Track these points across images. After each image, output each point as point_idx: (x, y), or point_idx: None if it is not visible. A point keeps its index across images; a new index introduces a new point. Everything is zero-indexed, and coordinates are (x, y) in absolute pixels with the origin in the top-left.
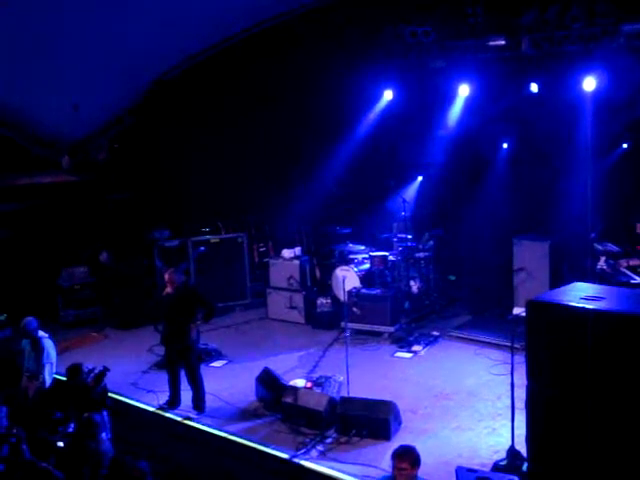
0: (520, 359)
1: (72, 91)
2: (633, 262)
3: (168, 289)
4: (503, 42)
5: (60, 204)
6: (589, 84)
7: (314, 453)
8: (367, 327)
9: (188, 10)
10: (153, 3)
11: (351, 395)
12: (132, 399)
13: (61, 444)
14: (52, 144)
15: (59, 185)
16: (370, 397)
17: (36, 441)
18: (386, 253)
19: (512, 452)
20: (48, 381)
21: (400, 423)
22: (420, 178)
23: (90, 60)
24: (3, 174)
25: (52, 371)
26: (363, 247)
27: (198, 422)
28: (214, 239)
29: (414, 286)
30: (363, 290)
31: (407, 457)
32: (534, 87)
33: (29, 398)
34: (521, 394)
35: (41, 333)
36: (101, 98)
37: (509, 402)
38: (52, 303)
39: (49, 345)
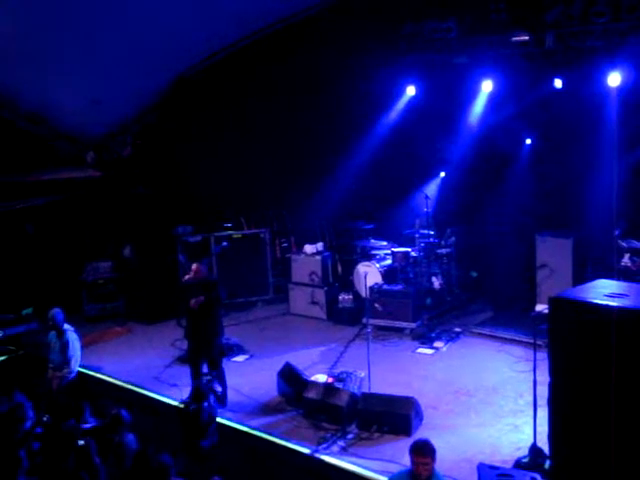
0: (542, 356)
1: (97, 87)
2: None
3: (190, 275)
4: (527, 38)
5: (85, 199)
6: (614, 79)
7: (335, 448)
8: (389, 323)
9: (210, 6)
10: (175, 1)
11: (372, 391)
12: (155, 393)
13: (82, 442)
14: (77, 140)
15: (84, 180)
16: (391, 393)
17: (60, 433)
18: (408, 249)
19: (534, 449)
20: (72, 374)
21: (421, 419)
22: (443, 174)
23: (115, 56)
24: (29, 169)
25: (76, 364)
26: (385, 243)
27: (220, 416)
28: (236, 234)
29: (436, 282)
30: (385, 286)
31: (428, 451)
32: (558, 83)
33: (53, 389)
34: (543, 391)
35: (66, 326)
36: (125, 94)
37: (531, 399)
38: (76, 297)
39: (74, 338)
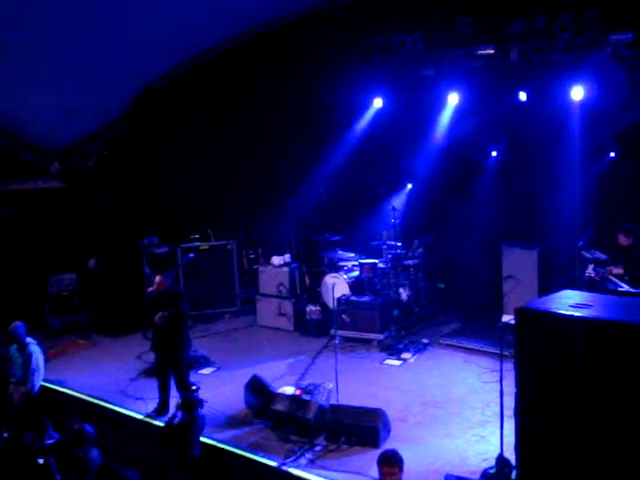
0: (509, 366)
1: (63, 97)
2: (616, 271)
3: (153, 288)
4: (492, 51)
5: (49, 210)
6: (577, 93)
7: (303, 461)
8: (356, 334)
9: (179, 18)
10: (144, 11)
11: (340, 403)
12: (120, 406)
13: (41, 461)
14: (42, 150)
15: (48, 191)
16: (359, 405)
17: (21, 448)
18: (375, 260)
19: (501, 460)
20: (35, 387)
21: (389, 431)
22: (410, 186)
23: (81, 67)
24: None
25: (39, 378)
26: (352, 254)
27: None
28: (203, 246)
29: (403, 293)
30: (352, 297)
31: (396, 461)
32: (523, 96)
33: (15, 404)
34: (510, 402)
35: (28, 339)
36: (91, 105)
37: (498, 410)
38: (40, 310)
39: (36, 351)
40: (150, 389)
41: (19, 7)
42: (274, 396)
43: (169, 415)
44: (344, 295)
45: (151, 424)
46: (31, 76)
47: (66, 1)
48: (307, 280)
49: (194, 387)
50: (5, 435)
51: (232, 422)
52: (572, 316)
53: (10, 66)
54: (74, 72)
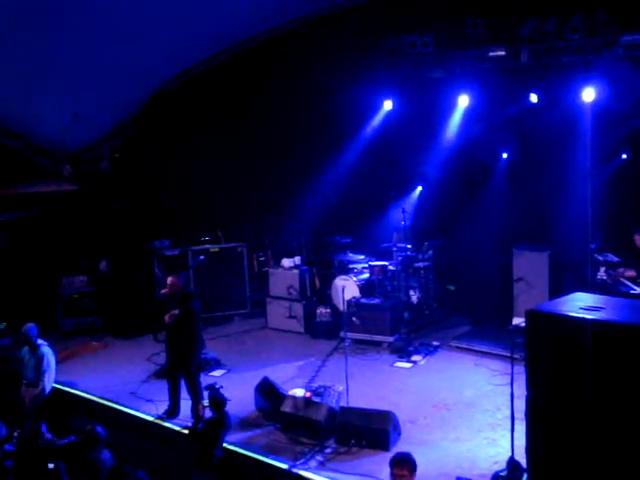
0: (520, 369)
1: (74, 101)
2: (629, 273)
3: (166, 289)
4: (503, 53)
5: (61, 213)
6: (588, 95)
7: (313, 463)
8: (366, 337)
9: (188, 22)
10: (153, 16)
11: (350, 405)
12: (131, 408)
13: (51, 466)
14: (53, 153)
15: (60, 194)
16: (369, 407)
17: (33, 450)
18: (386, 263)
19: (512, 463)
20: (47, 389)
21: (399, 433)
22: (420, 188)
23: (92, 70)
24: (4, 183)
25: (51, 379)
26: (363, 257)
27: None
28: (214, 248)
29: (414, 296)
30: (362, 300)
31: (407, 464)
32: (534, 97)
33: (26, 406)
34: (521, 405)
35: (40, 341)
36: (102, 108)
37: (509, 413)
38: (52, 312)
39: (48, 353)
40: (161, 391)
41: (23, 7)
42: (284, 398)
43: (192, 420)
44: (354, 297)
45: (162, 426)
46: (42, 82)
47: (75, 3)
48: (317, 282)
49: (217, 385)
50: (15, 434)
51: (242, 424)
52: (583, 319)
53: (21, 72)
54: (85, 77)
